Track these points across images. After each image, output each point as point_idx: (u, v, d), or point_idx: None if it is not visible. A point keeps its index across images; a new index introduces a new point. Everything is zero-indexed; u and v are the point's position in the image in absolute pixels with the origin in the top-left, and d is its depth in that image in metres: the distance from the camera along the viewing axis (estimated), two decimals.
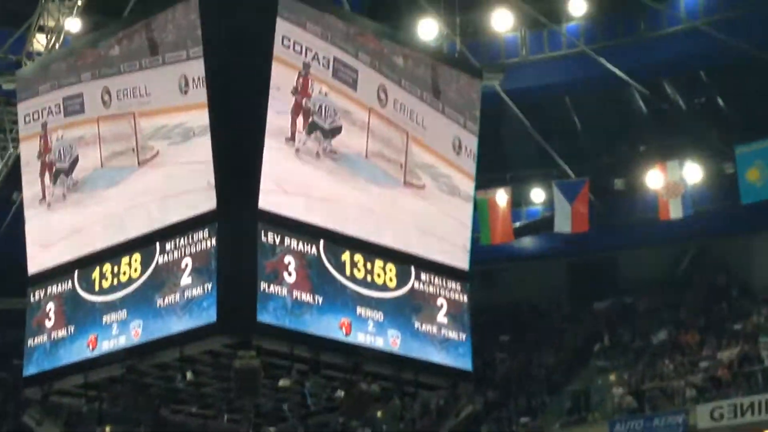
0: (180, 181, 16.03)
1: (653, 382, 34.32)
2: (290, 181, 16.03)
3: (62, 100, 17.67)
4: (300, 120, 16.16)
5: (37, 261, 17.82)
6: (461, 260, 18.01)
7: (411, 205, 17.40)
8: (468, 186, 18.13)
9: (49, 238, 17.68)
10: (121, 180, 16.82)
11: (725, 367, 33.15)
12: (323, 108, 16.38)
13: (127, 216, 16.63)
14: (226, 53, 15.89)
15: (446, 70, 18.06)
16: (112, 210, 16.85)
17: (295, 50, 16.05)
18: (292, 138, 16.04)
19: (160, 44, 16.37)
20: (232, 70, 15.86)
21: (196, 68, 15.89)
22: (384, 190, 17.05)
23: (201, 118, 15.78)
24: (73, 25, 26.77)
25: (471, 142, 18.17)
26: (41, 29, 27.27)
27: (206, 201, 15.67)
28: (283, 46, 15.91)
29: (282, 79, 15.90)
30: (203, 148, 15.69)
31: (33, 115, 18.15)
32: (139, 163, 16.64)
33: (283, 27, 15.90)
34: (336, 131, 16.51)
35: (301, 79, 16.10)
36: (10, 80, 21.64)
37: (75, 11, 26.75)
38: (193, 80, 15.95)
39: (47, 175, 17.84)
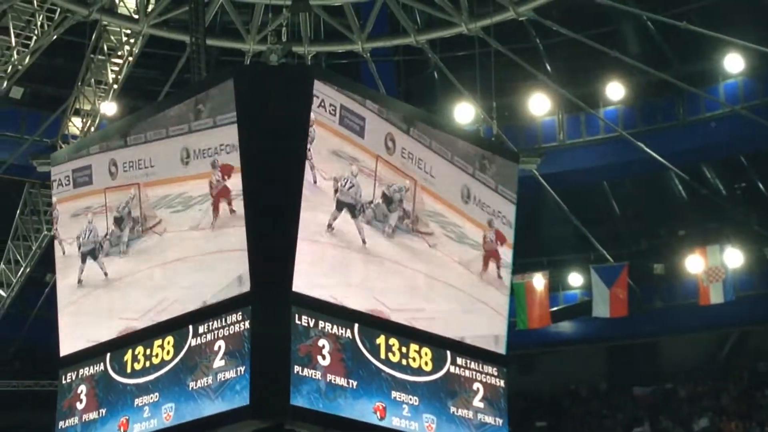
0: (212, 271, 15.98)
1: None
2: (324, 263, 15.93)
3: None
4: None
5: (69, 343, 17.72)
6: (498, 344, 17.80)
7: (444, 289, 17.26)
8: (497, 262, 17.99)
9: (82, 319, 17.60)
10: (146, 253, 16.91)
11: None
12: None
13: (160, 298, 16.57)
14: (260, 139, 15.89)
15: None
16: (145, 291, 16.81)
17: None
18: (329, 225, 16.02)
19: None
20: (267, 155, 15.85)
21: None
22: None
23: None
24: (109, 108, 26.95)
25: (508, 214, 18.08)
26: (77, 113, 27.47)
27: (240, 285, 15.58)
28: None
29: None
30: (235, 237, 15.65)
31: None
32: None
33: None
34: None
35: None
36: (44, 163, 21.76)
37: (110, 95, 26.93)
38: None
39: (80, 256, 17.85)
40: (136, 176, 17.01)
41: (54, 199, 18.27)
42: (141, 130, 17.01)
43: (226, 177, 15.97)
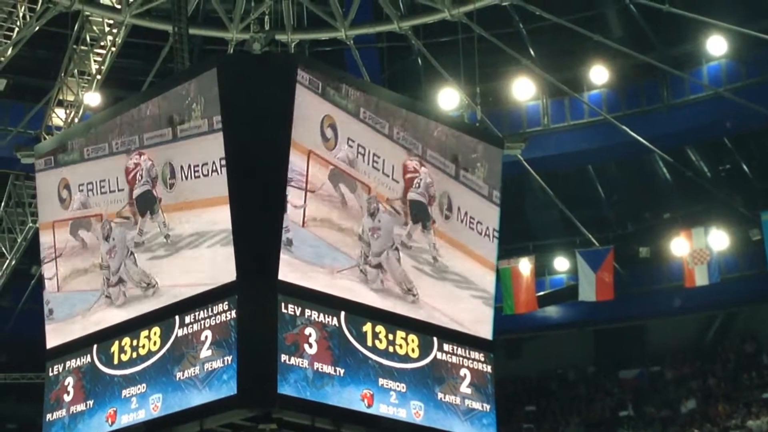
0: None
1: None
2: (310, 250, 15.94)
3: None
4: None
5: (55, 335, 17.69)
6: (484, 330, 17.82)
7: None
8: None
9: (68, 311, 17.58)
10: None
11: None
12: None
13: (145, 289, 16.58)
14: (245, 128, 15.87)
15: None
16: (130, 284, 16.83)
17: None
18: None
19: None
20: (251, 145, 15.84)
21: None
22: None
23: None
24: (93, 99, 26.84)
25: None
26: (60, 104, 27.37)
27: (226, 273, 15.56)
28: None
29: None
30: (221, 218, 15.65)
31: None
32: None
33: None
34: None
35: None
36: (28, 155, 21.68)
37: (94, 86, 26.84)
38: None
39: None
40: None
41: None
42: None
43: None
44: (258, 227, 15.72)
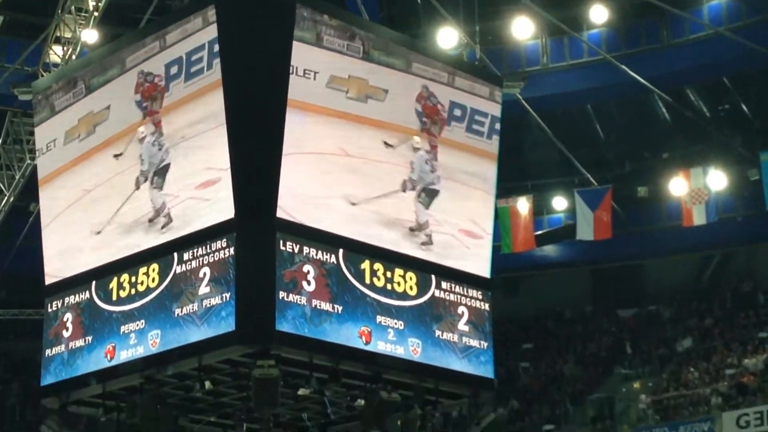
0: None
1: (678, 390, 34.09)
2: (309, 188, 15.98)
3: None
4: None
5: (54, 271, 17.73)
6: (482, 268, 17.86)
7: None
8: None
9: (67, 248, 17.61)
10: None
11: (751, 375, 32.89)
12: None
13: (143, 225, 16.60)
14: (243, 65, 15.84)
15: None
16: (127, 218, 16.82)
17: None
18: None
19: None
20: (249, 81, 15.80)
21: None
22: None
23: None
24: (90, 36, 26.67)
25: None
26: (57, 41, 27.21)
27: (225, 210, 15.58)
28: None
29: None
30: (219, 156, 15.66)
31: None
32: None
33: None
34: None
35: None
36: (26, 92, 21.60)
37: (91, 22, 26.68)
38: None
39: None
40: None
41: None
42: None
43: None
44: (256, 165, 15.72)
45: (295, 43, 15.95)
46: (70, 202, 17.67)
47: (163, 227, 16.38)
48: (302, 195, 15.95)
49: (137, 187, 16.83)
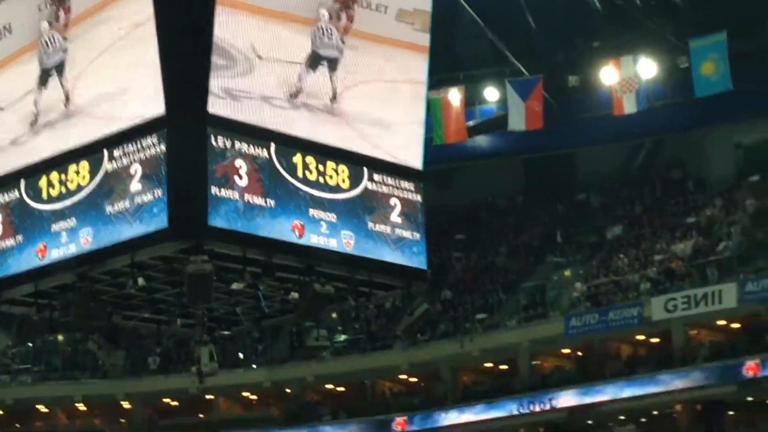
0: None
1: (608, 277, 34.59)
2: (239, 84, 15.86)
3: None
4: None
5: None
6: (414, 159, 17.85)
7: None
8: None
9: None
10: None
11: (679, 260, 33.41)
12: None
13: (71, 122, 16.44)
14: None
15: None
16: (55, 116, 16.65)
17: None
18: None
19: None
20: None
21: None
22: None
23: None
24: None
25: None
26: None
27: (154, 106, 15.45)
28: None
29: None
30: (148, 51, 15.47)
31: None
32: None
33: None
34: None
35: None
36: None
37: None
38: None
39: None
40: None
41: None
42: None
43: None
44: (186, 59, 15.56)
45: None
46: None
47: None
48: (232, 89, 15.82)
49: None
